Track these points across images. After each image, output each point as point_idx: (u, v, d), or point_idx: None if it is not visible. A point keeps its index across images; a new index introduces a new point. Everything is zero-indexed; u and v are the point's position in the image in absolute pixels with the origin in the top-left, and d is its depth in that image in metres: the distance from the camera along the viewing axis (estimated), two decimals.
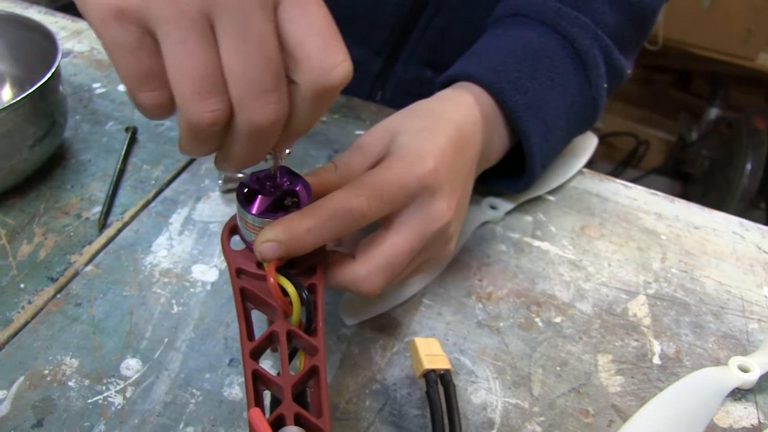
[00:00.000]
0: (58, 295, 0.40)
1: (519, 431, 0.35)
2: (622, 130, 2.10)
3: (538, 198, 0.50)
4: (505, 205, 0.49)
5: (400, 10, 0.60)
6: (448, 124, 0.38)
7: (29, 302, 0.40)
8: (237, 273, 0.33)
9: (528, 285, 0.44)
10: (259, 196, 0.32)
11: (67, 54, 0.62)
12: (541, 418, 0.36)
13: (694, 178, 1.84)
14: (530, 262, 0.45)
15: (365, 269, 0.33)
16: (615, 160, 2.07)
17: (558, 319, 0.42)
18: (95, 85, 0.58)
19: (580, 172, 0.54)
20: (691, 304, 0.44)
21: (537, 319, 0.41)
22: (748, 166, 1.55)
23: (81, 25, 0.67)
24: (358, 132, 0.55)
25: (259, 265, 0.33)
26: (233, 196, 0.47)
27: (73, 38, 0.65)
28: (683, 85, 2.23)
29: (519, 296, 0.43)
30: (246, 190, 0.33)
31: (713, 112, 1.79)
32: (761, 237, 0.50)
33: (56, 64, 0.45)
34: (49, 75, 0.44)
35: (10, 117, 0.42)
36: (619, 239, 0.48)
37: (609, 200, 0.52)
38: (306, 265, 0.33)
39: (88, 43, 0.64)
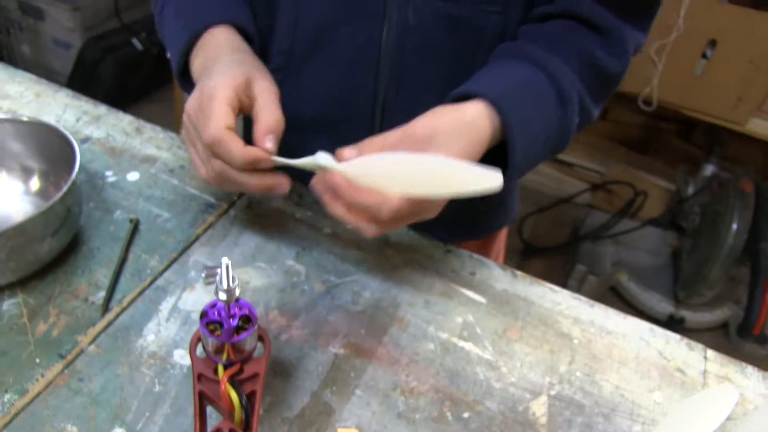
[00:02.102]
0: (65, 371, 0.50)
1: None
2: (623, 177, 2.17)
3: (470, 300, 0.59)
4: None
5: (364, 108, 0.68)
6: (473, 148, 0.52)
7: (42, 375, 0.50)
8: (198, 377, 0.42)
9: (447, 382, 0.52)
10: (222, 326, 0.42)
11: (85, 141, 0.73)
12: None
13: (687, 232, 1.90)
14: (453, 361, 0.54)
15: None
16: (615, 207, 2.15)
17: (466, 414, 0.50)
18: (108, 173, 0.68)
19: (512, 274, 0.63)
20: (586, 405, 0.52)
21: (448, 413, 0.50)
22: (734, 227, 1.61)
23: (101, 110, 0.78)
24: (326, 231, 0.65)
25: (215, 371, 0.42)
26: (212, 287, 0.57)
27: (92, 124, 0.75)
28: (686, 134, 2.30)
29: (437, 392, 0.52)
30: (207, 321, 0.42)
31: (709, 169, 1.86)
32: (665, 343, 0.59)
33: (74, 176, 0.55)
34: (65, 189, 0.54)
35: (38, 218, 0.52)
36: (536, 342, 0.57)
37: (534, 304, 0.60)
38: (251, 371, 0.43)
39: (105, 130, 0.75)
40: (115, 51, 2.18)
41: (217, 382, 0.41)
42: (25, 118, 0.61)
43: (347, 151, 0.50)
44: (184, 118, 0.56)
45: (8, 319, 0.54)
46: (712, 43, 1.56)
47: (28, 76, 0.82)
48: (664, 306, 1.88)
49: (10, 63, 2.20)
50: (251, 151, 0.52)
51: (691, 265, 1.79)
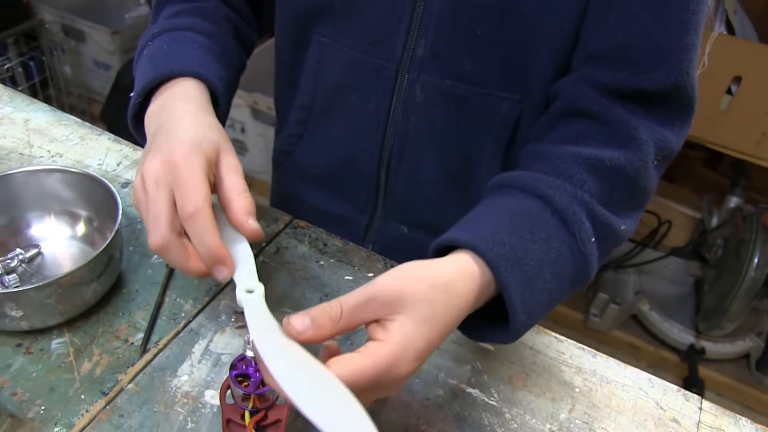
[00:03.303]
0: (107, 407, 0.56)
1: None
2: (648, 206, 2.18)
3: (480, 348, 0.63)
4: None
5: (371, 169, 0.73)
6: (452, 313, 0.45)
7: (87, 411, 0.55)
8: (227, 422, 0.47)
9: (454, 427, 0.57)
10: (249, 378, 0.47)
11: (125, 185, 0.79)
12: None
13: (709, 263, 1.91)
14: (460, 406, 0.58)
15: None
16: (639, 235, 2.16)
17: None
18: None
19: None
20: None
21: None
22: (756, 260, 1.62)
23: (140, 154, 0.84)
24: (347, 277, 0.69)
25: (242, 417, 0.47)
26: (242, 331, 0.62)
27: (132, 168, 0.81)
28: (714, 163, 2.31)
29: None
30: (236, 373, 0.47)
31: (733, 201, 1.87)
32: (662, 394, 0.62)
33: (117, 226, 0.61)
34: (110, 239, 0.60)
35: (85, 266, 0.58)
36: (539, 390, 0.61)
37: (540, 353, 0.64)
38: (274, 417, 0.48)
39: None
40: None
41: (244, 427, 0.46)
42: (74, 170, 0.67)
43: (295, 318, 0.44)
44: (143, 179, 0.51)
45: (56, 357, 0.59)
46: (737, 80, 1.58)
47: (73, 119, 0.89)
48: (684, 336, 1.89)
49: (52, 82, 2.30)
50: (221, 250, 0.49)
51: (712, 298, 1.80)
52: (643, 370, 0.64)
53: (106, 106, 2.43)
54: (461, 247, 0.49)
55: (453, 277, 0.46)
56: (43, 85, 2.26)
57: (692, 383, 1.82)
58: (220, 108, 0.62)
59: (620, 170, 0.54)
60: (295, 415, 0.54)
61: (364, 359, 0.42)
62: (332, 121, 0.72)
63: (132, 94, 0.61)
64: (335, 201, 0.78)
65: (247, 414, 0.47)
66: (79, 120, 0.88)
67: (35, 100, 0.90)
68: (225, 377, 0.58)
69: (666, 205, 2.15)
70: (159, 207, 0.49)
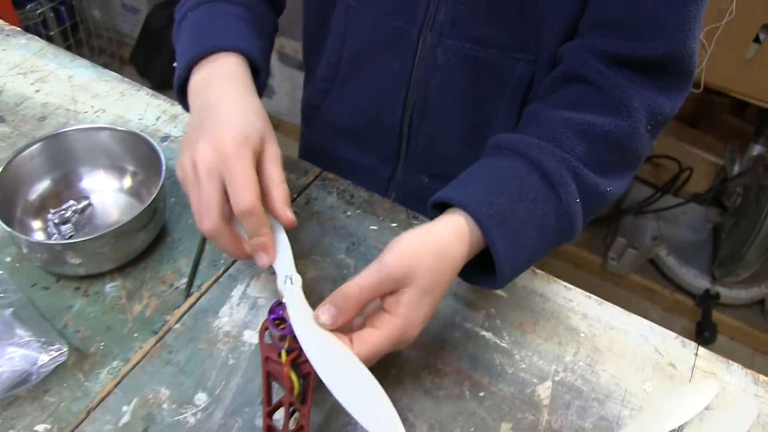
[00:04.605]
0: (157, 344, 0.62)
1: None
2: (671, 151, 2.18)
3: (494, 295, 0.69)
4: None
5: (394, 124, 0.78)
6: (448, 275, 0.53)
7: (140, 348, 0.62)
8: (265, 360, 0.54)
9: (468, 366, 0.63)
10: (285, 321, 0.53)
11: (165, 139, 0.84)
12: None
13: (728, 210, 1.93)
14: (474, 347, 0.64)
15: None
16: (660, 180, 2.17)
17: (481, 394, 0.61)
18: None
19: (532, 272, 0.72)
20: (584, 391, 0.62)
21: (467, 392, 0.61)
22: None
23: (177, 109, 0.89)
24: (372, 227, 0.75)
25: (279, 355, 0.53)
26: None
27: (171, 123, 0.87)
28: (740, 111, 2.28)
29: (459, 374, 0.62)
30: (273, 316, 0.53)
31: (756, 149, 1.87)
32: (661, 340, 0.67)
33: (161, 180, 0.67)
34: (156, 193, 0.65)
35: (135, 219, 0.64)
36: (547, 334, 0.66)
37: (549, 300, 0.69)
38: (306, 357, 0.54)
39: (182, 128, 0.86)
40: None
41: (281, 364, 0.53)
42: (121, 128, 0.73)
43: (323, 312, 0.51)
44: (195, 164, 0.55)
45: (110, 299, 0.66)
46: (766, 28, 1.56)
47: (113, 75, 0.93)
48: (700, 281, 1.93)
49: (82, 26, 2.33)
50: (270, 243, 0.55)
51: (729, 245, 1.83)
52: (658, 313, 0.69)
53: (136, 48, 2.47)
54: (453, 206, 0.55)
55: (448, 241, 0.53)
56: (73, 29, 2.30)
57: (706, 327, 1.88)
58: (260, 78, 0.65)
59: (610, 136, 0.58)
60: None
61: (380, 335, 0.51)
62: (358, 79, 0.76)
63: (175, 65, 0.64)
64: (361, 153, 0.83)
65: (283, 353, 0.53)
66: (118, 76, 0.92)
67: (77, 57, 0.95)
68: (262, 319, 0.65)
69: (688, 152, 2.15)
70: (211, 196, 0.53)
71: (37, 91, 0.88)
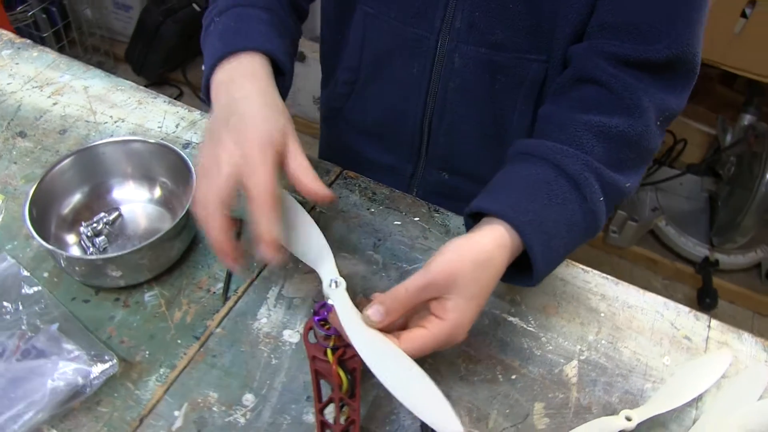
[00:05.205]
0: (201, 349, 0.65)
1: None
2: None
3: None
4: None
5: (415, 125, 0.81)
6: (492, 282, 0.56)
7: (184, 353, 0.65)
8: (312, 358, 0.57)
9: (498, 351, 0.66)
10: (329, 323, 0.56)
11: (186, 145, 0.86)
12: None
13: (723, 179, 1.97)
14: (503, 333, 0.68)
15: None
16: (657, 153, 2.20)
17: (513, 377, 0.64)
18: None
19: None
20: (608, 368, 0.66)
21: (499, 376, 0.64)
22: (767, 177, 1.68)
23: (196, 115, 0.91)
24: (396, 222, 0.77)
25: (324, 353, 0.57)
26: (310, 276, 0.71)
27: (190, 129, 0.89)
28: (729, 81, 2.32)
29: (490, 359, 0.65)
30: (318, 317, 0.56)
31: (747, 118, 1.91)
32: (676, 315, 0.71)
33: (191, 197, 0.69)
34: (190, 202, 0.68)
35: (171, 230, 0.67)
36: (569, 316, 0.70)
37: (568, 283, 0.73)
38: (351, 352, 0.57)
39: (201, 134, 0.88)
40: (174, 14, 2.31)
41: (327, 362, 0.56)
42: (150, 140, 0.75)
43: (372, 311, 0.54)
44: (217, 155, 0.57)
45: (150, 308, 0.69)
46: (752, 2, 1.59)
47: (128, 83, 0.95)
48: (699, 249, 1.98)
49: (74, 26, 2.31)
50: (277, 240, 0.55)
51: (726, 213, 1.87)
52: (660, 282, 0.73)
53: (131, 46, 2.47)
54: (492, 215, 0.58)
55: (491, 251, 0.56)
56: (65, 29, 2.30)
57: (706, 293, 1.93)
58: (285, 80, 0.67)
59: (624, 135, 0.62)
60: None
61: (428, 334, 0.53)
62: (379, 82, 0.78)
63: (204, 68, 0.66)
64: (383, 152, 0.86)
65: (329, 351, 0.56)
66: (134, 84, 0.94)
67: (90, 67, 0.97)
68: (299, 319, 0.68)
69: (682, 123, 2.19)
70: (220, 185, 0.55)
71: (55, 103, 0.90)
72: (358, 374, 0.56)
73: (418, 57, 0.73)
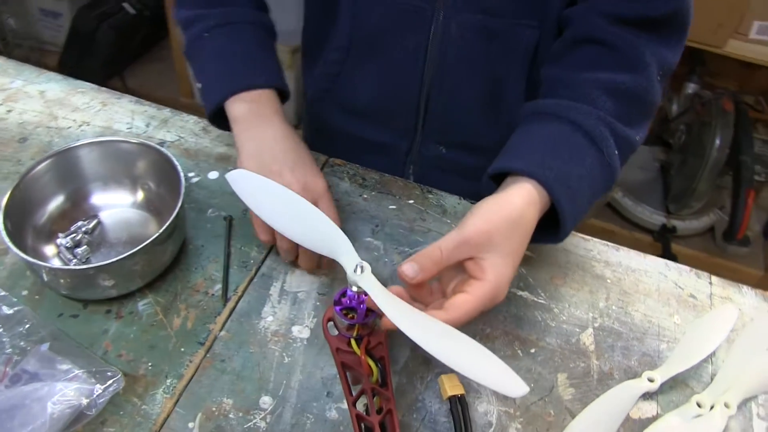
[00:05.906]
0: (207, 355, 0.62)
1: (507, 429, 0.58)
2: None
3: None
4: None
5: (411, 99, 0.79)
6: (525, 240, 0.56)
7: (190, 361, 0.61)
8: (336, 350, 0.54)
9: (513, 326, 0.65)
10: (355, 310, 0.54)
11: (162, 144, 0.82)
12: (521, 419, 0.58)
13: (674, 148, 2.03)
14: (515, 308, 0.67)
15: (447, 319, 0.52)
16: None
17: (532, 350, 0.63)
18: (190, 174, 0.78)
19: None
20: (623, 332, 0.66)
21: (519, 351, 0.63)
22: (717, 142, 1.75)
23: (166, 113, 0.86)
24: (391, 206, 0.76)
25: (348, 344, 0.54)
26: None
27: (162, 128, 0.84)
28: None
29: (507, 335, 0.64)
30: (340, 307, 0.54)
31: (691, 87, 1.97)
32: (678, 275, 0.72)
33: (182, 190, 0.65)
34: (180, 203, 0.64)
35: (164, 232, 0.63)
36: (577, 285, 0.70)
37: (571, 252, 0.73)
38: (375, 341, 0.55)
39: (175, 132, 0.84)
40: (108, 18, 2.21)
41: (352, 353, 0.53)
42: (134, 140, 0.71)
43: (406, 267, 0.53)
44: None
45: (146, 317, 0.65)
46: None
47: (89, 85, 0.90)
48: (656, 218, 2.04)
49: None
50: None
51: (679, 180, 1.93)
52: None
53: (64, 55, 2.34)
54: (516, 173, 0.58)
55: (522, 208, 0.56)
56: None
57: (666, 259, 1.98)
58: (285, 101, 0.73)
59: (631, 91, 0.63)
60: (389, 334, 0.62)
61: (471, 298, 0.52)
62: (371, 60, 0.77)
63: (200, 86, 0.72)
64: (377, 130, 0.84)
65: (353, 342, 0.54)
66: (94, 86, 0.89)
67: (44, 71, 0.91)
68: (308, 312, 0.65)
69: None
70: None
71: (9, 111, 0.84)
72: (387, 362, 0.54)
73: (414, 29, 0.71)
